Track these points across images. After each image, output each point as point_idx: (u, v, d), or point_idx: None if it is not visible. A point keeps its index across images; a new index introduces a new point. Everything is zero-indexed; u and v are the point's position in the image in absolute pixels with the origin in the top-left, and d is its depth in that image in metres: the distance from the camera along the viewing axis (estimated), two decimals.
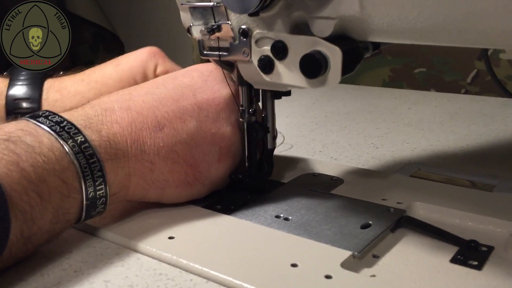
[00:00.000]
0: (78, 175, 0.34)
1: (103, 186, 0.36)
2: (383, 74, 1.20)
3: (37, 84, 0.50)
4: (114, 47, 1.69)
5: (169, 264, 0.35)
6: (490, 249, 0.36)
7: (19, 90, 0.49)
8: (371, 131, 0.65)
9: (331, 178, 0.48)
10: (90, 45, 1.66)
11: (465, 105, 0.77)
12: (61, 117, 0.36)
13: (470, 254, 0.35)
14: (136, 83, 0.50)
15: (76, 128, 0.36)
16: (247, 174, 0.45)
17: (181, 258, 0.34)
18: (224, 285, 0.32)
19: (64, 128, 0.35)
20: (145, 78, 0.51)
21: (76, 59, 1.61)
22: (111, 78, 0.52)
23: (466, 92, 1.11)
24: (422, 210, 0.41)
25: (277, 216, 0.41)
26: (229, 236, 0.38)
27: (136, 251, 0.36)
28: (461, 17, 0.27)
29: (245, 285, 0.31)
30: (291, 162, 0.52)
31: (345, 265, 0.33)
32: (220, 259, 0.34)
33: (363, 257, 0.35)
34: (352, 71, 0.34)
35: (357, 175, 0.49)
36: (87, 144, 0.35)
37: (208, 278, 0.33)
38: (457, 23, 0.28)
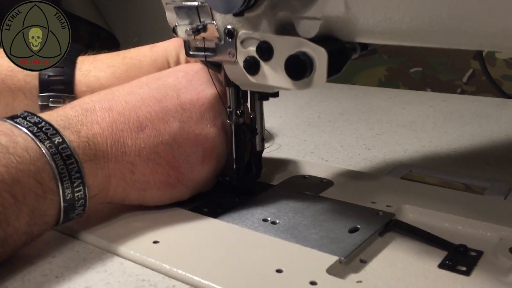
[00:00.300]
0: (54, 176, 0.34)
1: (81, 187, 0.35)
2: (379, 74, 1.19)
3: (70, 58, 0.50)
4: (109, 46, 1.68)
5: (152, 269, 0.34)
6: (479, 254, 0.35)
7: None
8: (364, 132, 0.64)
9: (321, 180, 0.47)
10: (85, 44, 1.65)
11: (460, 105, 0.76)
12: (40, 117, 0.36)
13: (459, 259, 0.34)
14: (169, 66, 0.50)
15: (54, 128, 0.35)
16: (235, 176, 0.44)
17: (164, 263, 0.34)
18: None
19: (41, 129, 0.35)
20: (177, 62, 0.50)
21: None
22: (146, 56, 0.51)
23: (462, 92, 1.11)
24: (412, 214, 0.41)
25: (265, 220, 0.40)
26: (214, 241, 0.37)
27: (119, 255, 0.36)
28: (446, 18, 0.27)
29: None
30: (281, 164, 0.52)
31: (331, 270, 0.33)
32: (204, 264, 0.34)
33: (350, 262, 0.34)
34: (339, 72, 0.33)
35: (347, 177, 0.48)
36: (65, 145, 0.35)
37: (191, 284, 0.32)
38: (442, 24, 0.27)
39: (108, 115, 0.38)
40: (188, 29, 0.37)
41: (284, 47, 0.33)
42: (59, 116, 0.37)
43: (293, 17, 0.33)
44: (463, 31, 0.27)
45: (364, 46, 0.36)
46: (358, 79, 1.20)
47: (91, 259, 0.35)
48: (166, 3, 0.38)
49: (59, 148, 0.34)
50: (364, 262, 0.35)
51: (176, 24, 0.38)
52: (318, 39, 0.32)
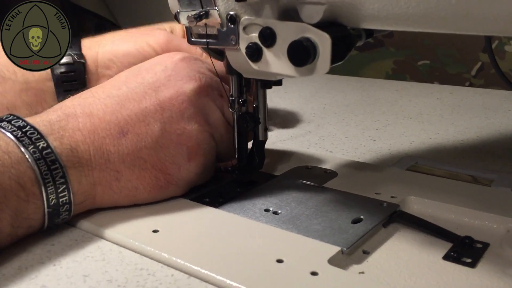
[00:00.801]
0: (37, 181, 0.34)
1: (66, 193, 0.35)
2: (386, 66, 1.18)
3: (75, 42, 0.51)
4: None
5: (151, 258, 0.34)
6: (485, 246, 0.34)
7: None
8: (369, 123, 0.63)
9: (324, 171, 0.47)
10: (92, 36, 1.65)
11: (468, 97, 0.75)
12: (25, 121, 0.36)
13: (464, 250, 0.34)
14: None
15: (38, 133, 0.35)
16: (237, 166, 0.43)
17: (163, 252, 0.33)
18: (205, 281, 0.31)
19: (26, 134, 0.35)
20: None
21: None
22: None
23: (470, 85, 1.09)
24: (417, 205, 0.40)
25: (266, 210, 0.39)
26: (214, 230, 0.36)
27: (118, 244, 0.35)
28: (454, 2, 0.26)
29: (228, 281, 0.30)
30: (284, 154, 0.51)
31: (333, 261, 0.32)
32: (203, 254, 0.33)
33: (352, 253, 0.34)
34: (343, 59, 0.33)
35: (352, 168, 0.47)
36: (49, 150, 0.34)
37: (190, 274, 0.32)
38: (449, 8, 0.26)
39: (89, 120, 0.37)
40: (190, 15, 0.36)
41: (287, 33, 0.32)
42: (42, 121, 0.36)
43: (296, 2, 0.32)
44: (471, 15, 0.26)
45: (370, 33, 0.36)
46: (364, 72, 1.19)
47: (90, 248, 0.35)
48: None
49: (43, 153, 0.34)
50: (367, 253, 0.34)
51: (178, 11, 0.38)
52: (322, 25, 0.32)
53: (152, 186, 0.39)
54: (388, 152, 0.53)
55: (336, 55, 0.32)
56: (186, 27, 0.39)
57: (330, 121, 0.65)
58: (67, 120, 0.37)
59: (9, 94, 0.49)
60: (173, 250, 0.33)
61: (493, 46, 0.94)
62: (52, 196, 0.34)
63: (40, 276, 0.32)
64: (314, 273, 0.31)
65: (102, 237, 0.36)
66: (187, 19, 0.37)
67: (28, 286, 0.31)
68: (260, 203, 0.40)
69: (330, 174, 0.46)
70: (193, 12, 0.36)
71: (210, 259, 0.32)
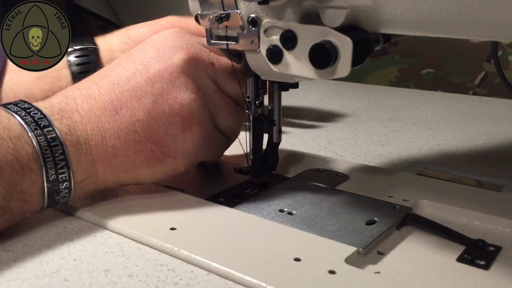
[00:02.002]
0: (36, 156, 0.35)
1: (65, 169, 0.36)
2: (390, 74, 1.19)
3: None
4: None
5: (170, 255, 0.34)
6: (498, 249, 0.35)
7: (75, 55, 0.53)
8: (378, 129, 0.64)
9: (336, 174, 0.47)
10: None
11: (473, 106, 0.76)
12: (31, 104, 0.37)
13: (477, 253, 0.34)
14: None
15: (42, 113, 0.36)
16: (251, 167, 0.44)
17: (182, 249, 0.34)
18: (225, 278, 0.31)
19: (29, 113, 0.36)
20: None
21: None
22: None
23: (474, 94, 1.10)
24: (429, 208, 0.41)
25: (281, 210, 0.40)
26: (231, 229, 0.37)
27: (137, 241, 0.36)
28: (476, 7, 0.26)
29: (247, 278, 0.31)
30: (296, 157, 0.52)
31: (349, 261, 0.33)
32: (222, 251, 0.34)
33: (367, 253, 0.34)
34: (363, 63, 0.33)
35: (363, 172, 0.48)
36: (50, 129, 0.36)
37: (210, 270, 0.32)
38: (472, 13, 0.27)
39: (86, 102, 0.38)
40: (211, 17, 0.37)
41: (308, 36, 0.33)
42: (44, 104, 0.38)
43: (318, 6, 0.33)
44: (492, 22, 0.26)
45: (387, 38, 0.36)
46: (369, 79, 1.20)
47: (109, 244, 0.36)
48: None
49: (45, 130, 0.35)
50: (381, 254, 0.35)
51: (199, 13, 0.38)
52: (343, 29, 0.32)
53: (149, 159, 0.39)
54: (398, 157, 0.54)
55: (356, 58, 0.32)
56: (206, 29, 0.40)
57: (338, 125, 0.66)
58: (67, 103, 0.38)
59: (27, 82, 0.50)
60: (192, 247, 0.34)
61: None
62: (51, 172, 0.35)
63: (61, 271, 0.32)
64: (332, 272, 0.31)
65: (120, 234, 0.37)
66: (208, 21, 0.37)
67: (50, 280, 0.31)
68: (274, 204, 0.41)
69: (342, 177, 0.46)
70: (215, 14, 0.37)
71: (229, 257, 0.33)
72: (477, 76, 1.11)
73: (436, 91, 1.12)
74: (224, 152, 0.47)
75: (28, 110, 0.36)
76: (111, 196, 0.42)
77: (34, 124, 0.35)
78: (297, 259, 0.33)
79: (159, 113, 0.39)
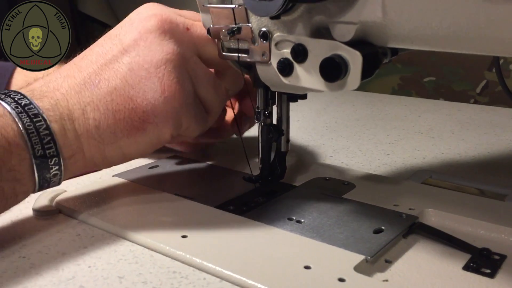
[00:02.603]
0: (20, 132, 0.35)
1: (52, 144, 0.36)
2: (392, 82, 1.20)
3: None
4: None
5: (182, 262, 0.35)
6: (503, 257, 0.36)
7: None
8: (382, 137, 0.65)
9: (342, 182, 0.48)
10: None
11: (475, 114, 0.77)
12: (10, 90, 0.38)
13: (483, 262, 0.35)
14: None
15: (21, 94, 0.37)
16: (259, 176, 0.45)
17: (194, 257, 0.35)
18: (238, 285, 0.32)
19: (9, 95, 0.37)
20: None
21: None
22: None
23: (475, 102, 1.11)
24: (434, 217, 0.41)
25: (290, 219, 0.41)
26: (241, 236, 0.38)
27: (149, 248, 0.37)
28: (483, 24, 0.27)
29: (259, 285, 0.32)
30: (302, 165, 0.53)
31: (358, 268, 0.33)
32: (233, 258, 0.34)
33: (375, 261, 0.35)
34: (371, 76, 0.34)
35: (369, 181, 0.49)
36: (31, 106, 0.36)
37: (222, 278, 0.33)
38: (479, 30, 0.28)
39: (66, 81, 0.39)
40: (223, 30, 0.38)
41: (319, 49, 0.34)
42: (25, 88, 0.39)
43: (329, 21, 0.34)
44: (500, 38, 0.27)
45: (395, 51, 0.37)
46: (371, 87, 1.21)
47: (122, 251, 0.36)
48: (203, 5, 0.39)
49: (25, 108, 0.36)
50: (389, 262, 0.36)
51: (211, 26, 0.39)
52: (352, 43, 0.33)
53: (129, 128, 0.39)
54: (402, 166, 0.54)
55: (365, 71, 0.33)
56: (218, 41, 0.40)
57: (342, 134, 0.67)
58: (48, 85, 0.39)
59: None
60: (204, 254, 0.35)
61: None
62: (37, 147, 0.36)
63: (77, 277, 0.33)
64: (341, 280, 0.32)
65: (133, 241, 0.38)
66: (220, 34, 0.38)
67: (66, 286, 0.32)
68: (283, 212, 0.42)
69: (348, 186, 0.47)
70: (227, 27, 0.38)
71: (241, 264, 0.34)
72: (479, 84, 1.13)
73: (438, 99, 1.13)
74: (205, 127, 0.45)
75: (8, 93, 0.37)
76: (122, 204, 0.43)
77: (14, 103, 0.36)
78: (307, 267, 0.33)
79: (136, 79, 0.39)
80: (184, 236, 0.38)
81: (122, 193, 0.46)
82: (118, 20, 1.46)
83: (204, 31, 0.41)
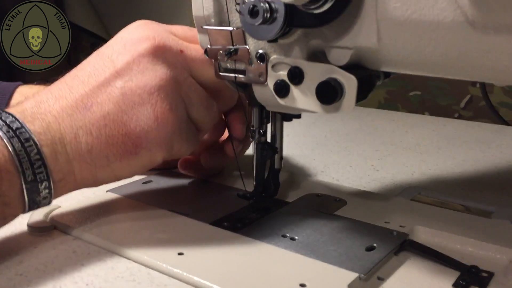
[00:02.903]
0: (11, 158, 0.35)
1: (42, 169, 0.36)
2: (378, 96, 1.22)
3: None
4: None
5: (179, 280, 0.35)
6: (491, 275, 0.37)
7: None
8: (371, 153, 0.66)
9: (334, 199, 0.49)
10: (87, 54, 1.66)
11: (461, 130, 0.79)
12: (1, 110, 0.37)
13: (472, 279, 0.36)
14: None
15: (13, 117, 0.37)
16: (253, 192, 0.46)
17: (192, 274, 0.35)
18: None
19: (0, 118, 0.36)
20: None
21: (73, 67, 1.61)
22: None
23: (459, 117, 1.14)
24: (424, 234, 0.43)
25: (284, 236, 0.41)
26: (237, 254, 0.38)
27: (146, 266, 0.37)
28: (475, 54, 0.29)
29: None
30: (294, 181, 0.53)
31: (352, 286, 0.34)
32: (230, 276, 0.35)
33: (369, 279, 0.36)
34: (365, 98, 0.35)
35: (360, 197, 0.50)
36: (23, 130, 0.36)
37: None
38: (471, 59, 0.29)
39: (58, 102, 0.39)
40: (221, 51, 0.38)
41: (315, 73, 0.35)
42: (16, 109, 0.38)
43: (325, 46, 0.35)
44: (490, 67, 0.29)
45: (387, 74, 0.38)
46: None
47: (119, 268, 0.37)
48: (201, 27, 0.39)
49: (17, 132, 0.36)
50: (381, 279, 0.36)
51: (208, 47, 0.40)
52: (347, 67, 0.34)
53: (122, 152, 0.39)
54: (392, 182, 0.56)
55: (360, 94, 0.34)
56: (215, 61, 0.41)
57: (332, 149, 0.68)
58: (39, 107, 0.38)
59: None
60: (201, 272, 0.35)
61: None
62: (28, 172, 0.36)
63: None
64: None
65: (129, 258, 0.38)
66: (218, 55, 0.39)
67: None
68: (277, 229, 0.42)
69: (340, 203, 0.48)
70: (224, 49, 0.39)
71: (237, 282, 0.34)
72: (463, 99, 1.15)
73: (423, 113, 1.15)
74: (196, 146, 0.45)
75: None
76: (117, 220, 0.43)
77: (6, 127, 0.36)
78: (302, 285, 0.34)
79: (129, 104, 0.39)
80: (180, 254, 0.38)
81: (117, 209, 0.46)
82: (107, 30, 1.44)
83: (198, 52, 0.42)
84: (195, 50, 0.42)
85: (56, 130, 0.38)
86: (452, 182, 0.56)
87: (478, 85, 1.10)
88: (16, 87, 0.55)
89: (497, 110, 1.02)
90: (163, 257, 0.37)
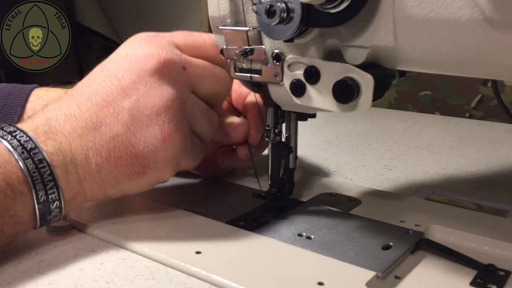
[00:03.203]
0: (26, 179, 0.36)
1: (55, 189, 0.37)
2: (389, 96, 1.22)
3: None
4: None
5: (198, 278, 0.36)
6: (507, 273, 0.37)
7: None
8: (383, 152, 0.66)
9: (348, 198, 0.49)
10: (97, 56, 1.68)
11: (473, 129, 0.79)
12: (15, 127, 0.38)
13: (489, 278, 0.36)
14: None
15: (27, 136, 0.37)
16: (268, 192, 0.46)
17: (210, 273, 0.35)
18: None
19: (15, 137, 0.37)
20: None
21: (84, 69, 1.63)
22: None
23: (470, 116, 1.13)
24: (440, 233, 0.43)
25: (299, 235, 0.42)
26: (254, 253, 0.39)
27: (165, 264, 0.37)
28: (493, 51, 0.29)
29: None
30: (308, 181, 0.54)
31: (370, 285, 0.34)
32: (248, 275, 0.35)
33: (386, 277, 0.36)
34: (381, 97, 0.36)
35: (374, 196, 0.50)
36: (37, 150, 0.37)
37: None
38: (488, 57, 0.29)
39: (68, 121, 0.39)
40: (237, 52, 0.39)
41: (331, 72, 0.35)
42: (28, 126, 0.38)
43: (341, 45, 0.35)
44: (508, 64, 0.29)
45: (402, 73, 0.39)
46: None
47: (138, 267, 0.37)
48: (217, 27, 0.40)
49: (31, 153, 0.36)
50: (398, 278, 0.37)
51: (225, 47, 0.40)
52: (363, 66, 0.35)
53: (130, 173, 0.40)
54: (405, 181, 0.56)
55: (376, 93, 0.34)
56: (230, 61, 0.42)
57: (345, 149, 0.68)
58: (50, 124, 0.39)
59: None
60: (219, 271, 0.36)
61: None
62: (41, 193, 0.36)
63: None
64: None
65: (148, 257, 0.38)
66: (234, 55, 0.39)
67: None
68: (292, 228, 0.43)
69: (354, 202, 0.48)
70: (240, 49, 0.39)
71: (256, 281, 0.35)
72: (473, 98, 1.15)
73: (433, 113, 1.15)
74: (201, 157, 0.45)
75: (14, 134, 0.37)
76: (134, 219, 0.43)
77: (21, 147, 0.36)
78: (320, 283, 0.34)
79: (137, 126, 0.40)
80: (198, 252, 0.38)
81: (133, 208, 0.47)
82: (116, 32, 1.44)
83: (200, 67, 0.42)
84: (196, 66, 0.42)
85: (67, 151, 0.38)
86: (466, 181, 0.56)
87: (489, 85, 1.09)
88: (32, 89, 0.55)
89: (508, 109, 1.01)
90: (181, 255, 0.38)
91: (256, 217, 0.45)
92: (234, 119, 0.49)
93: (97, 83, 0.41)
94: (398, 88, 1.21)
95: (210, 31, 0.42)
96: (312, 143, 0.71)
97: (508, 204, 0.49)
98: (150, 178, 0.41)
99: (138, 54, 0.41)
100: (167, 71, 0.41)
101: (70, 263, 0.37)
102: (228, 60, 0.41)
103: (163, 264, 0.37)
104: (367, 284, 0.34)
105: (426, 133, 0.76)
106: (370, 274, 0.35)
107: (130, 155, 0.40)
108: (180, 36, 0.44)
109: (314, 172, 0.58)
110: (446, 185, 0.55)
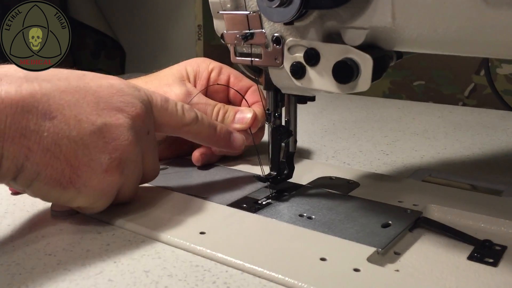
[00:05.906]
0: None
1: None
2: (383, 86, 1.23)
3: None
4: (115, 55, 1.72)
5: (203, 257, 0.36)
6: (504, 248, 0.38)
7: None
8: (379, 139, 0.67)
9: (347, 181, 0.50)
10: (91, 51, 1.68)
11: (467, 116, 0.80)
12: None
13: (485, 252, 0.37)
14: (187, 72, 0.54)
15: None
16: (269, 175, 0.47)
17: (215, 251, 0.36)
18: (259, 276, 0.34)
19: None
20: (196, 75, 0.54)
21: (78, 64, 1.63)
22: (163, 71, 0.55)
23: (464, 105, 1.15)
24: (437, 212, 0.44)
25: (301, 215, 0.43)
26: (257, 232, 0.40)
27: (170, 244, 0.38)
28: (488, 29, 0.30)
29: (280, 276, 0.33)
30: (306, 166, 0.55)
31: (371, 260, 0.35)
32: (252, 252, 0.36)
33: (386, 253, 0.37)
34: (379, 78, 0.36)
35: (372, 179, 0.51)
36: None
37: (243, 270, 0.35)
38: (483, 35, 0.30)
39: (16, 92, 0.35)
40: (238, 36, 0.40)
41: (331, 53, 0.36)
42: None
43: (340, 27, 0.36)
44: (503, 41, 0.30)
45: (400, 55, 0.40)
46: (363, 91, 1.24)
47: (144, 247, 0.38)
48: (218, 12, 0.41)
49: None
50: (398, 254, 0.38)
51: (225, 31, 0.41)
52: (362, 47, 0.35)
53: (53, 179, 0.37)
54: (402, 165, 0.57)
55: (375, 74, 0.35)
56: (230, 46, 0.42)
57: (341, 136, 0.69)
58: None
59: None
60: (224, 249, 0.36)
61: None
62: None
63: (104, 272, 0.34)
64: (356, 270, 0.34)
65: (153, 238, 0.39)
66: (235, 39, 0.40)
67: (96, 280, 0.33)
68: (293, 209, 0.44)
69: (353, 184, 0.49)
70: (241, 33, 0.40)
71: (260, 257, 0.35)
72: (466, 88, 1.16)
73: (427, 102, 1.16)
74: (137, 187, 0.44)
75: None
76: (137, 203, 0.44)
77: None
78: (323, 259, 0.35)
79: (92, 143, 0.38)
80: (202, 233, 0.39)
81: (138, 193, 0.48)
82: (110, 27, 1.45)
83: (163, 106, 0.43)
84: (156, 102, 0.43)
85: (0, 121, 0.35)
86: (461, 164, 0.57)
87: (482, 73, 1.11)
88: None
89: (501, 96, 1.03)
90: (185, 236, 0.39)
91: (257, 199, 0.45)
92: (237, 135, 0.50)
93: (71, 85, 0.39)
94: (392, 78, 1.22)
95: (204, 23, 0.43)
96: (308, 131, 0.72)
97: (502, 184, 0.50)
98: (64, 195, 0.38)
99: (123, 91, 0.41)
100: (142, 120, 0.41)
101: (77, 244, 0.38)
102: (229, 45, 0.42)
103: (168, 244, 0.38)
104: (368, 259, 0.35)
105: (421, 120, 0.77)
106: (370, 250, 0.36)
107: (68, 164, 0.37)
108: (159, 98, 0.44)
109: (312, 158, 0.59)
110: (442, 168, 0.56)
